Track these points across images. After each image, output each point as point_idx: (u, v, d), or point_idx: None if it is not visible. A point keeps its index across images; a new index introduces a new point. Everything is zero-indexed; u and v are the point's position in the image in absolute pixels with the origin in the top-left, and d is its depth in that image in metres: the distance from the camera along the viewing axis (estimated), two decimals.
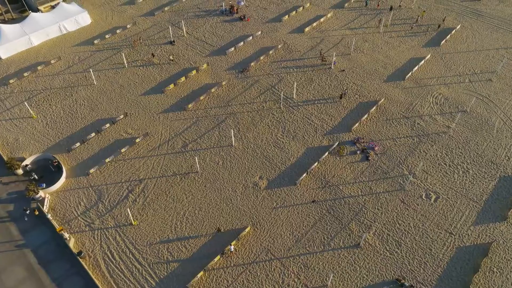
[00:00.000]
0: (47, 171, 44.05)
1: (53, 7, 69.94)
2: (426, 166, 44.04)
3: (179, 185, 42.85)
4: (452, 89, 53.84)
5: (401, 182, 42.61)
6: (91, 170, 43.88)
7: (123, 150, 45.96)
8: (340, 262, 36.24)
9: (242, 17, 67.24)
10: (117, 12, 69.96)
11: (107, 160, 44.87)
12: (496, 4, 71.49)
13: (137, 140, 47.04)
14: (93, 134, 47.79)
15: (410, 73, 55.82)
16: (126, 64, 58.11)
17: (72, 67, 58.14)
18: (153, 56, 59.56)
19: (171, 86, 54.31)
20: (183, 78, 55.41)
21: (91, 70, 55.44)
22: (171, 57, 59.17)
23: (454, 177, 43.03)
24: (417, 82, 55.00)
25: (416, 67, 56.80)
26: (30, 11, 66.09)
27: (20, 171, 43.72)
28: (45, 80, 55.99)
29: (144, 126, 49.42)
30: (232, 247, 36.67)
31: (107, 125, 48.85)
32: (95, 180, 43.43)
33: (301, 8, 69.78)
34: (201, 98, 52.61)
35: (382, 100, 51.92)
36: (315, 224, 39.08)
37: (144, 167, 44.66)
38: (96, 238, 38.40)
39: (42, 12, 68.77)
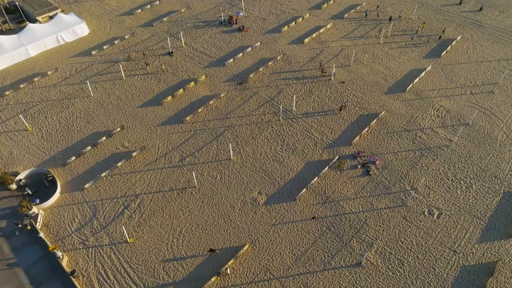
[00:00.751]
0: (41, 186, 43.08)
1: (51, 17, 69.49)
2: (428, 181, 43.13)
3: (176, 200, 41.88)
4: (453, 102, 53.14)
5: (403, 197, 41.68)
6: (86, 185, 42.94)
7: (119, 164, 45.07)
8: (341, 282, 35.14)
9: (241, 28, 66.81)
10: (115, 23, 69.56)
11: (103, 174, 43.95)
12: (497, 15, 71.19)
13: (134, 154, 46.17)
14: (89, 148, 46.93)
15: (411, 85, 55.18)
16: (123, 76, 57.48)
17: (69, 79, 57.49)
18: (147, 65, 58.88)
19: (169, 98, 53.59)
20: (181, 90, 54.73)
21: (88, 82, 54.77)
22: (163, 67, 58.62)
23: (457, 192, 42.10)
24: (418, 94, 54.32)
25: (417, 79, 56.17)
26: (28, 22, 65.69)
27: (13, 186, 42.76)
28: (42, 91, 55.30)
29: (141, 139, 48.58)
30: (228, 269, 35.53)
31: (104, 138, 48.00)
32: (90, 195, 42.47)
33: (300, 18, 69.41)
34: (199, 110, 51.85)
35: (383, 112, 51.18)
36: (315, 241, 38.05)
37: (141, 182, 43.73)
38: (90, 256, 37.32)
39: (40, 22, 68.33)
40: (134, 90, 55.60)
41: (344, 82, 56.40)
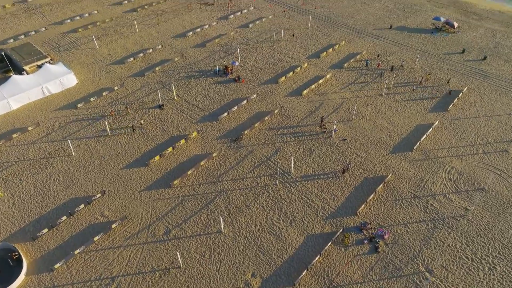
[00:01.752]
0: (5, 265, 37.85)
1: (39, 66, 66.82)
2: (444, 260, 38.01)
3: (157, 285, 36.51)
4: (465, 162, 48.93)
5: (418, 281, 36.39)
6: (57, 265, 37.66)
7: (96, 238, 40.05)
8: None
9: (237, 79, 63.79)
10: (105, 72, 66.66)
11: (77, 251, 38.81)
12: (502, 64, 68.60)
13: (114, 225, 41.26)
14: (64, 218, 42.06)
15: (418, 143, 51.20)
16: (109, 132, 53.58)
17: (51, 135, 53.52)
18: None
19: (157, 158, 49.37)
20: (170, 149, 50.62)
21: (69, 140, 50.64)
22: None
23: (479, 275, 36.88)
24: (427, 154, 50.20)
25: (424, 136, 52.30)
26: (13, 73, 62.74)
27: None
28: (19, 150, 51.14)
29: (123, 207, 43.82)
30: None
31: (81, 206, 43.28)
32: (60, 277, 37.10)
33: (298, 68, 66.65)
34: (189, 172, 47.47)
35: (390, 175, 46.83)
36: None
37: (119, 261, 38.51)
38: None
39: (27, 72, 65.52)
40: (120, 148, 51.49)
41: (345, 139, 52.45)
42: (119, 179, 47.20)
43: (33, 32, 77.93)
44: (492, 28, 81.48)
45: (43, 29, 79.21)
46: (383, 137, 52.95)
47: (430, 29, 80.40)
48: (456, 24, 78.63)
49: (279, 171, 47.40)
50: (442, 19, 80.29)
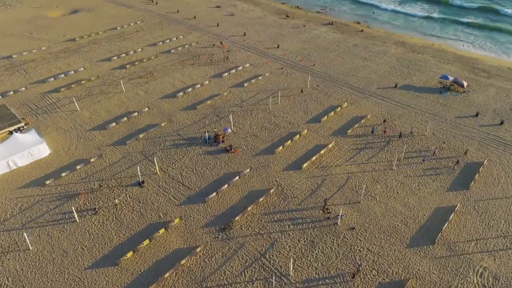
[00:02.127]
0: None
1: (11, 132, 60.47)
2: None
3: None
4: (499, 261, 40.82)
5: None
6: None
7: None
8: None
9: (228, 148, 57.01)
10: (83, 140, 59.98)
11: None
12: None
13: None
14: None
15: (439, 234, 43.38)
16: (77, 218, 45.87)
17: (8, 221, 45.72)
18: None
19: (129, 254, 41.28)
20: (146, 241, 42.66)
21: (25, 234, 42.67)
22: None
23: None
24: (451, 248, 42.20)
25: (446, 224, 44.58)
26: None
27: None
28: None
29: None
30: None
31: None
32: None
33: (297, 135, 60.12)
34: (166, 275, 39.17)
35: (410, 281, 38.54)
36: None
37: None
38: None
39: None
40: (87, 239, 43.48)
41: (354, 228, 44.66)
42: (82, 284, 38.78)
43: (11, 92, 72.39)
44: (504, 87, 76.29)
45: (23, 88, 73.80)
46: (398, 225, 45.16)
47: (438, 88, 75.16)
48: (465, 84, 73.45)
49: (275, 273, 39.11)
50: (450, 78, 75.24)
